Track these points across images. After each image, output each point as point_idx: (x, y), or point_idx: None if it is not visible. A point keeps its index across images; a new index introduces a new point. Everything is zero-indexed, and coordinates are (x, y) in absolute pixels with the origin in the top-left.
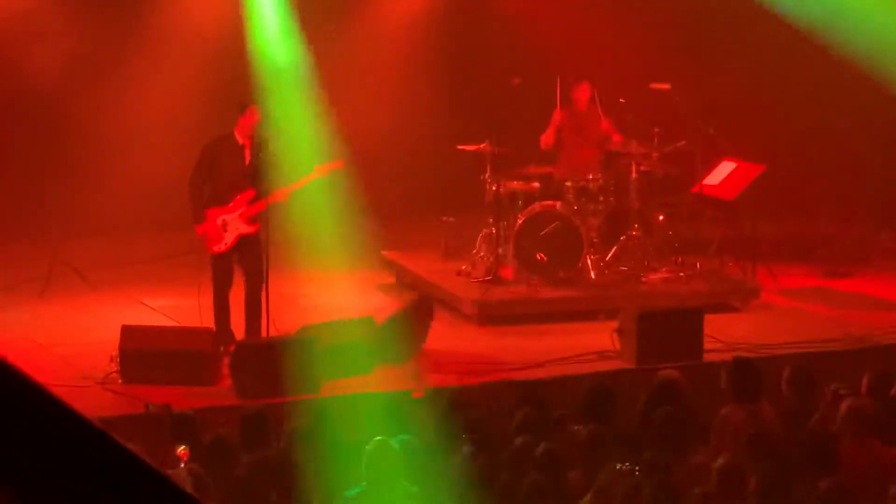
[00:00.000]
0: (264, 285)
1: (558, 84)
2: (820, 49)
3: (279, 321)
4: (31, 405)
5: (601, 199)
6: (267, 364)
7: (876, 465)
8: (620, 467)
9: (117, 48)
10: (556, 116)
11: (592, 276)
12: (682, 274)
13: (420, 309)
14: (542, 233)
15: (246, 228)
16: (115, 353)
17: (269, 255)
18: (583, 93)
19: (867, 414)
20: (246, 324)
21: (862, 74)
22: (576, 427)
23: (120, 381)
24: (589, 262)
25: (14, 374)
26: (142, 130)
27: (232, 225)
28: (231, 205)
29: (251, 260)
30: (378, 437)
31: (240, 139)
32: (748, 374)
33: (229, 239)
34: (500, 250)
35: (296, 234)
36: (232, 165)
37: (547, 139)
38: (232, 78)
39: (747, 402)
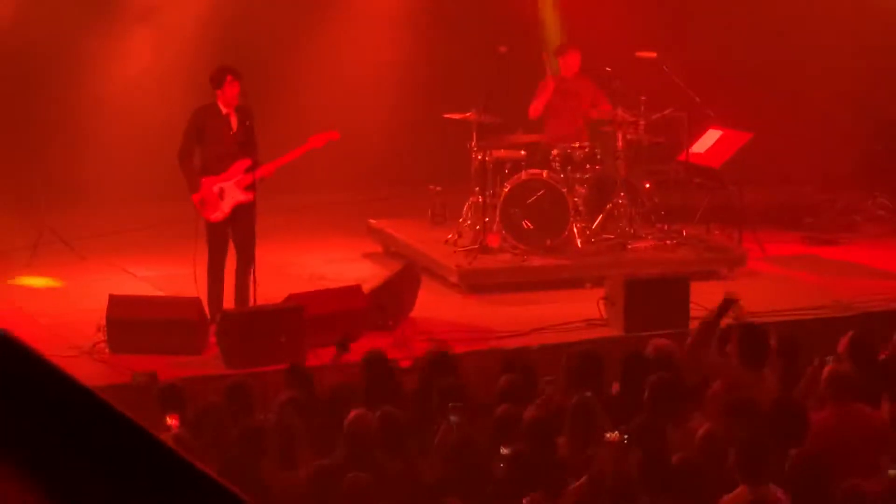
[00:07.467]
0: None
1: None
2: (805, 16)
3: (266, 290)
4: (35, 378)
5: (588, 167)
6: (253, 333)
7: (853, 430)
8: (609, 435)
9: (104, 14)
10: (548, 85)
11: (579, 244)
12: (668, 242)
13: (407, 277)
14: (529, 201)
15: (242, 197)
16: (103, 322)
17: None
18: (573, 61)
19: (849, 378)
20: (236, 293)
21: (845, 41)
22: (563, 395)
23: (107, 350)
24: (575, 230)
25: (18, 347)
26: (129, 98)
27: (228, 193)
28: (226, 173)
29: (243, 230)
30: (357, 410)
31: (223, 108)
32: (756, 339)
33: (226, 207)
34: (486, 219)
35: (284, 202)
36: (220, 134)
37: (536, 108)
38: (218, 45)
39: (753, 369)
